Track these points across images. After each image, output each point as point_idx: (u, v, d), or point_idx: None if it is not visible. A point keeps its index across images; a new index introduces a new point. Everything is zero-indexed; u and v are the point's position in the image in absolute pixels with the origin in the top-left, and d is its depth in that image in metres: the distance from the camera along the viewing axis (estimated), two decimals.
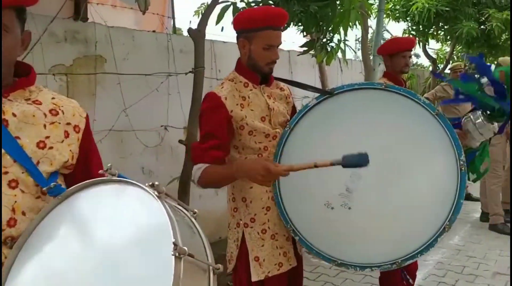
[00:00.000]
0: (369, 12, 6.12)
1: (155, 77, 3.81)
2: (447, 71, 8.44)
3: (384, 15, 8.39)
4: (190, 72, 3.19)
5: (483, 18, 7.52)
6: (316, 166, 1.44)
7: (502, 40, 8.01)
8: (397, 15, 8.31)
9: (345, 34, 3.51)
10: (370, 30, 6.75)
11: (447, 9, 7.34)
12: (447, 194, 1.52)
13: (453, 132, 1.50)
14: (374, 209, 1.61)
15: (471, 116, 2.08)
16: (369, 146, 1.62)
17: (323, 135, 1.72)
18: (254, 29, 1.66)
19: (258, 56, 1.69)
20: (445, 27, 8.09)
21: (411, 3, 7.66)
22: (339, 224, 1.65)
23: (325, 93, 1.72)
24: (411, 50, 3.04)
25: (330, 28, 3.78)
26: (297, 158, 1.74)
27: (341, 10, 3.18)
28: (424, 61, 16.72)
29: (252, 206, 1.74)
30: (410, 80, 8.87)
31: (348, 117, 1.69)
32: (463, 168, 1.49)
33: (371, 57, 5.84)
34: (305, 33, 3.87)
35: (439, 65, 9.25)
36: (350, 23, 3.12)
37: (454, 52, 10.39)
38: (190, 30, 3.05)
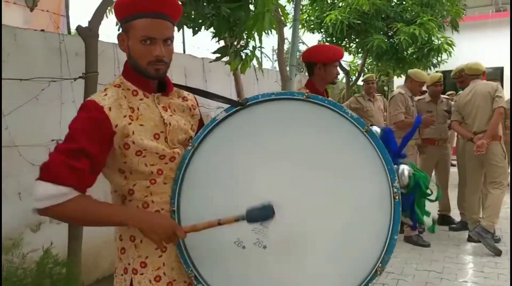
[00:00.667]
0: (285, 21, 6.01)
1: (39, 82, 3.25)
2: (360, 82, 8.64)
3: (300, 26, 8.44)
4: (80, 77, 2.70)
5: (392, 32, 7.80)
6: (220, 223, 1.27)
7: (408, 54, 8.40)
8: (312, 26, 8.38)
9: (260, 40, 3.26)
10: (286, 41, 6.65)
11: (358, 22, 7.51)
12: (378, 229, 1.26)
13: (385, 152, 1.25)
14: (293, 249, 1.32)
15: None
16: (288, 169, 1.34)
17: (234, 156, 1.39)
18: (128, 17, 1.30)
19: (136, 53, 1.32)
20: (357, 39, 8.29)
21: (325, 14, 7.75)
22: (252, 268, 1.33)
23: (236, 104, 1.40)
24: None
25: (244, 33, 3.52)
26: (202, 185, 1.40)
27: (255, 13, 2.91)
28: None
29: (143, 247, 1.36)
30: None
31: (263, 134, 1.38)
32: (396, 197, 1.24)
33: (288, 67, 5.70)
34: (218, 39, 3.56)
35: (351, 77, 9.47)
36: (265, 28, 2.84)
37: (365, 64, 10.80)
38: (79, 29, 2.58)
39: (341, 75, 11.15)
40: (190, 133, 1.46)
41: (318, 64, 2.51)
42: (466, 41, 10.96)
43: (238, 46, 3.61)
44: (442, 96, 5.41)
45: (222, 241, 1.36)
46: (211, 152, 1.40)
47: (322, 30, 8.20)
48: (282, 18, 5.48)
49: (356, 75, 9.35)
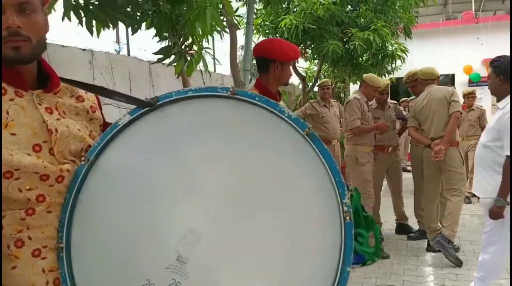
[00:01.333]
0: (239, 25, 5.76)
1: None
2: (316, 89, 8.52)
3: (254, 31, 8.22)
4: None
5: (347, 38, 7.72)
6: None
7: (364, 60, 8.35)
8: (267, 31, 8.19)
9: (205, 39, 2.96)
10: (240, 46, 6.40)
11: (313, 27, 7.37)
12: (327, 259, 0.98)
13: (332, 161, 0.98)
14: None
15: None
16: (211, 186, 1.05)
17: (142, 172, 1.08)
18: None
19: None
20: (312, 45, 8.17)
21: (279, 19, 7.56)
22: None
23: (143, 105, 1.09)
24: None
25: (188, 32, 3.21)
26: (101, 211, 1.08)
27: (195, 8, 2.61)
28: (294, 79, 17.28)
29: None
30: (282, 96, 8.80)
31: (179, 141, 1.07)
32: (347, 217, 0.97)
33: (241, 72, 5.44)
34: (159, 38, 3.23)
35: (308, 83, 9.35)
36: (207, 24, 2.54)
37: (321, 70, 10.74)
38: None
39: (298, 81, 11.07)
40: (88, 141, 1.13)
41: (276, 61, 2.19)
42: (418, 48, 11.14)
43: (183, 46, 3.31)
44: (390, 101, 5.28)
45: (129, 283, 1.04)
46: (112, 167, 1.08)
47: (277, 35, 8.02)
48: (236, 21, 5.26)
49: (313, 81, 9.24)
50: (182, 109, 1.07)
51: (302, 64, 10.60)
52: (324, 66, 9.74)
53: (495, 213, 2.80)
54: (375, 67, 8.62)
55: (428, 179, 4.47)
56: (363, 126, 4.51)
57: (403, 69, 10.95)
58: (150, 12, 3.10)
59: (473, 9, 12.53)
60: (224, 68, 8.57)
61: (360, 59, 8.19)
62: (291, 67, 2.38)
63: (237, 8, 5.45)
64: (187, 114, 1.07)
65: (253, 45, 5.54)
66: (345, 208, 0.95)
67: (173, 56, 3.25)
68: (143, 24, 3.16)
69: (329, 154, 0.99)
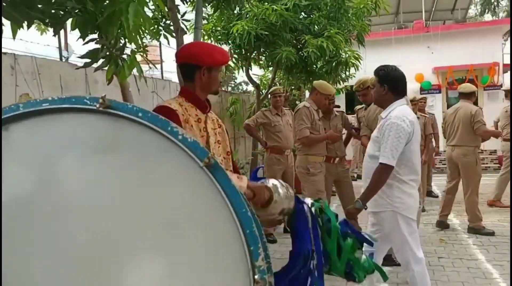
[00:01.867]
0: (189, 29, 5.46)
1: None
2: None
3: (206, 36, 7.92)
4: None
5: (301, 45, 7.56)
6: None
7: (318, 67, 8.23)
8: (219, 37, 7.91)
9: (131, 40, 2.63)
10: None
11: (266, 33, 7.17)
12: None
13: (242, 205, 0.70)
14: None
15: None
16: (71, 239, 0.74)
17: None
18: None
19: None
20: (266, 52, 7.96)
21: (231, 24, 7.31)
22: None
23: None
24: None
25: (118, 33, 2.87)
26: None
27: (115, 3, 2.28)
28: (249, 87, 17.08)
29: None
30: (235, 104, 8.57)
31: (26, 177, 0.75)
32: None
33: None
34: (83, 39, 2.86)
35: (262, 91, 9.12)
36: (129, 22, 2.21)
37: (276, 78, 10.57)
38: None
39: (253, 89, 10.85)
40: None
41: (202, 67, 1.88)
42: (371, 56, 11.20)
43: (115, 48, 2.96)
44: (336, 110, 5.10)
45: None
46: None
47: (229, 41, 7.77)
48: (183, 25, 4.95)
49: (267, 88, 9.02)
50: (32, 130, 0.75)
51: (256, 71, 10.40)
52: (278, 73, 9.58)
53: (350, 214, 2.80)
54: (329, 75, 8.52)
55: None
56: (313, 136, 4.30)
57: (357, 77, 11.00)
58: (75, 11, 2.75)
59: (424, 19, 12.81)
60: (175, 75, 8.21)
61: (314, 66, 8.07)
62: (220, 72, 2.09)
63: (185, 12, 5.15)
64: (41, 136, 0.75)
65: None
66: (257, 277, 0.67)
67: (102, 60, 2.90)
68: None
69: (238, 195, 0.70)
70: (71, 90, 4.33)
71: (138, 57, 3.48)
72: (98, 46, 2.88)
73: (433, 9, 13.88)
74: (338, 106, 10.33)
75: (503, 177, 6.76)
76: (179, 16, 4.92)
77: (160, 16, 5.36)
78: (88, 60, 2.93)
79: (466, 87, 5.84)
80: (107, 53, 2.88)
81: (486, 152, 11.78)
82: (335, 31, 7.27)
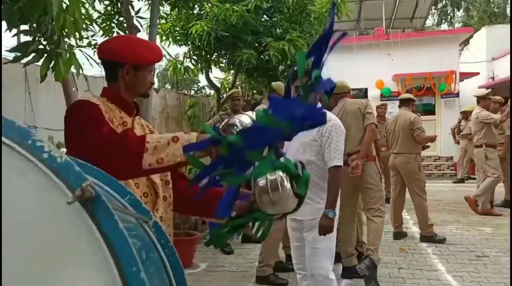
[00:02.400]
0: (141, 27, 5.13)
1: None
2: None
3: (164, 37, 7.59)
4: None
5: (262, 48, 7.36)
6: None
7: (280, 71, 8.08)
8: (178, 37, 7.61)
9: (70, 33, 2.32)
10: None
11: (226, 34, 6.93)
12: None
13: (129, 251, 0.44)
14: None
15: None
16: None
17: None
18: None
19: None
20: (227, 54, 7.72)
21: (190, 25, 7.02)
22: None
23: None
24: None
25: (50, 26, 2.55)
26: None
27: None
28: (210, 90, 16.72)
29: None
30: (193, 108, 8.27)
31: None
32: None
33: None
34: (10, 31, 2.52)
35: (223, 94, 8.87)
36: (54, 11, 1.91)
37: (238, 81, 10.35)
38: None
39: (212, 92, 10.58)
40: None
41: (125, 65, 1.56)
42: (333, 62, 11.17)
43: (47, 42, 2.63)
44: None
45: None
46: None
47: (188, 41, 7.48)
48: (137, 22, 4.64)
49: (228, 92, 8.78)
50: None
51: (217, 74, 10.16)
52: (240, 76, 9.36)
53: (326, 227, 2.59)
54: None
55: (344, 198, 4.14)
56: None
57: None
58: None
59: (384, 26, 12.98)
60: None
61: (277, 70, 7.90)
62: (152, 72, 1.78)
63: (139, 9, 4.83)
64: None
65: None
66: None
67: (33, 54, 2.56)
68: None
69: (128, 246, 0.45)
70: (8, 88, 3.92)
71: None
72: (29, 38, 2.55)
73: (393, 17, 14.11)
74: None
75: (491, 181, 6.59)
76: (133, 12, 4.62)
77: (113, 13, 5.02)
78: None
79: (404, 95, 5.99)
80: (39, 47, 2.55)
81: (442, 159, 12.03)
82: (297, 35, 7.12)
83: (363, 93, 12.77)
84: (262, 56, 7.53)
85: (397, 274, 4.16)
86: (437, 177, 11.43)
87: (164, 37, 7.55)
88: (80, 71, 2.87)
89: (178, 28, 7.44)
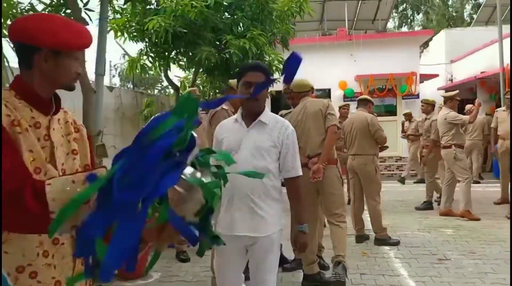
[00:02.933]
0: (90, 20, 4.76)
1: None
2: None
3: (119, 32, 7.20)
4: None
5: (222, 45, 7.11)
6: None
7: None
8: (134, 33, 7.24)
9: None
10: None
11: (185, 31, 6.64)
12: None
13: None
14: None
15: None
16: None
17: None
18: None
19: None
20: (187, 52, 7.41)
21: (146, 20, 6.67)
22: None
23: None
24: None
25: None
26: None
27: None
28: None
29: None
30: (149, 107, 7.90)
31: None
32: None
33: (94, 77, 4.50)
34: None
35: (182, 93, 8.54)
36: None
37: (199, 80, 10.04)
38: None
39: (172, 91, 10.21)
40: None
41: (42, 50, 1.27)
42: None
43: None
44: None
45: None
46: None
47: (145, 38, 7.13)
48: (86, 15, 4.30)
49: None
50: None
51: (180, 73, 9.80)
52: (200, 75, 9.07)
53: (305, 244, 2.38)
54: None
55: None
56: None
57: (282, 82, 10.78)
58: None
59: (347, 27, 13.00)
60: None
61: (238, 68, 7.67)
62: (78, 60, 1.44)
63: (88, 1, 4.49)
64: None
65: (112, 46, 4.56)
66: None
67: None
68: None
69: None
70: None
71: None
72: None
73: (356, 18, 14.18)
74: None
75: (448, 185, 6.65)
76: (81, 4, 4.29)
77: (59, 4, 4.66)
78: None
79: (362, 96, 5.92)
80: None
81: (404, 159, 12.14)
82: (258, 32, 6.92)
83: (326, 93, 12.74)
84: (222, 54, 7.29)
85: (359, 281, 4.01)
86: (399, 177, 11.50)
87: (119, 33, 7.16)
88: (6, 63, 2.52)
89: (134, 24, 7.07)
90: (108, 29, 6.98)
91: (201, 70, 7.97)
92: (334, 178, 3.88)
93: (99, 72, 4.40)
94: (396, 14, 30.64)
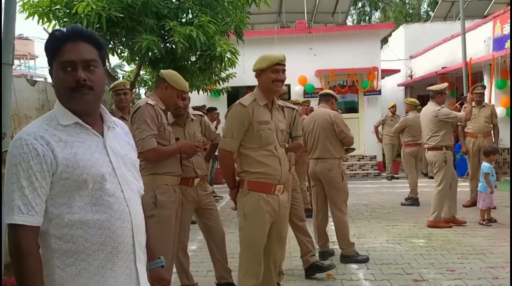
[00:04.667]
0: None
1: None
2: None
3: (45, 18, 6.17)
4: None
5: (168, 34, 6.21)
6: None
7: (191, 62, 6.99)
8: (65, 18, 6.21)
9: None
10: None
11: (121, 15, 5.72)
12: None
13: None
14: None
15: None
16: None
17: None
18: None
19: None
20: (128, 40, 6.46)
21: (76, 2, 5.69)
22: None
23: None
24: None
25: None
26: None
27: None
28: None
29: None
30: None
31: None
32: None
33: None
34: None
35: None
36: None
37: (143, 73, 9.12)
38: None
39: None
40: None
41: None
42: (253, 55, 10.36)
43: None
44: (193, 112, 3.75)
45: None
46: None
47: (76, 22, 6.14)
48: None
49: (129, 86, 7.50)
50: None
51: (126, 67, 8.81)
52: (145, 68, 8.14)
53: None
54: (203, 72, 7.34)
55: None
56: (162, 148, 3.03)
57: (239, 77, 10.05)
58: None
59: (306, 19, 12.36)
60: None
61: (184, 61, 6.81)
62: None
63: None
64: None
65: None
66: None
67: None
68: None
69: None
70: None
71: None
72: None
73: (315, 11, 13.58)
74: (214, 109, 9.24)
75: (440, 194, 5.68)
76: None
77: None
78: None
79: (324, 91, 5.13)
80: None
81: (366, 158, 11.67)
82: (208, 19, 6.09)
83: (286, 89, 12.05)
84: (168, 45, 6.42)
85: None
86: (361, 177, 11.03)
87: (45, 19, 6.12)
88: None
89: (59, 6, 6.06)
90: (30, 11, 5.99)
91: (146, 62, 7.05)
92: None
93: (5, 61, 3.48)
94: (354, 11, 30.65)
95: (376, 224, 6.03)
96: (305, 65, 11.47)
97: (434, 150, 5.69)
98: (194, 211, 3.55)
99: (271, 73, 2.82)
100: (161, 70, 3.29)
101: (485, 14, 13.88)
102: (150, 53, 6.13)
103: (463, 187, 7.94)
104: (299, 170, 5.05)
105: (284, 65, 2.90)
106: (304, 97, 10.40)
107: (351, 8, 29.31)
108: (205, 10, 6.43)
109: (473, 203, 6.98)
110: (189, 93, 3.93)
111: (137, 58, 6.90)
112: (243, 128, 2.76)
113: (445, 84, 5.96)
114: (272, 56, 2.86)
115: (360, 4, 31.18)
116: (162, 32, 6.30)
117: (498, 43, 9.78)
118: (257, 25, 13.27)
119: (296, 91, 11.64)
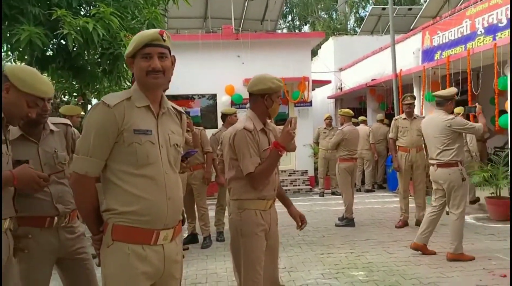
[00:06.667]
0: None
1: None
2: None
3: None
4: None
5: (57, 26, 5.02)
6: None
7: (89, 61, 5.82)
8: None
9: None
10: None
11: None
12: None
13: None
14: None
15: None
16: None
17: None
18: None
19: None
20: (5, 32, 5.19)
21: None
22: None
23: None
24: None
25: None
26: None
27: None
28: None
29: None
30: None
31: None
32: None
33: None
34: None
35: None
36: None
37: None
38: None
39: None
40: None
41: None
42: (179, 62, 9.35)
43: None
44: (55, 120, 2.72)
45: None
46: None
47: None
48: None
49: None
50: None
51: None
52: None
53: None
54: (109, 75, 6.19)
55: None
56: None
57: (176, 83, 8.92)
58: None
59: (233, 25, 11.58)
60: None
61: (81, 60, 5.64)
62: None
63: None
64: None
65: None
66: None
67: None
68: None
69: None
70: None
71: None
72: None
73: (243, 17, 12.88)
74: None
75: (460, 221, 4.73)
76: None
77: None
78: None
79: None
80: None
81: (298, 173, 11.03)
82: (111, 11, 5.02)
83: (211, 99, 11.16)
84: (62, 42, 5.27)
85: None
86: (293, 193, 10.32)
87: None
88: None
89: None
90: None
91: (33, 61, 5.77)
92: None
93: None
94: (284, 25, 30.70)
95: (309, 252, 5.23)
96: (233, 73, 10.66)
97: (447, 167, 4.71)
98: (56, 263, 2.46)
99: (141, 60, 1.85)
100: (6, 65, 2.21)
101: (411, 28, 13.99)
102: (36, 50, 4.93)
103: (394, 203, 7.49)
104: None
105: (163, 47, 1.88)
106: (232, 107, 9.54)
107: (281, 21, 29.37)
108: (108, 0, 5.37)
109: (405, 223, 6.46)
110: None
111: (25, 56, 5.63)
112: (107, 141, 1.77)
113: (454, 89, 5.06)
114: (141, 34, 1.86)
115: (290, 17, 31.36)
116: (53, 24, 5.12)
117: (427, 54, 9.62)
118: (181, 30, 12.28)
119: (223, 101, 10.76)
